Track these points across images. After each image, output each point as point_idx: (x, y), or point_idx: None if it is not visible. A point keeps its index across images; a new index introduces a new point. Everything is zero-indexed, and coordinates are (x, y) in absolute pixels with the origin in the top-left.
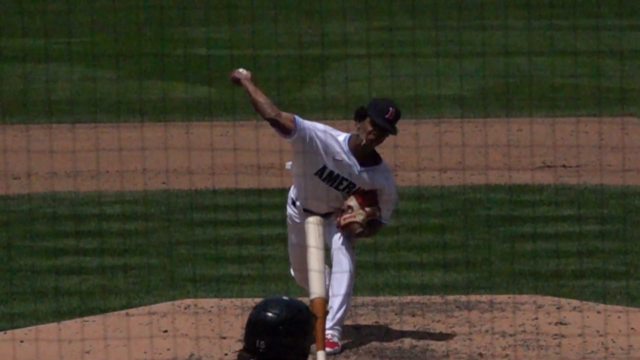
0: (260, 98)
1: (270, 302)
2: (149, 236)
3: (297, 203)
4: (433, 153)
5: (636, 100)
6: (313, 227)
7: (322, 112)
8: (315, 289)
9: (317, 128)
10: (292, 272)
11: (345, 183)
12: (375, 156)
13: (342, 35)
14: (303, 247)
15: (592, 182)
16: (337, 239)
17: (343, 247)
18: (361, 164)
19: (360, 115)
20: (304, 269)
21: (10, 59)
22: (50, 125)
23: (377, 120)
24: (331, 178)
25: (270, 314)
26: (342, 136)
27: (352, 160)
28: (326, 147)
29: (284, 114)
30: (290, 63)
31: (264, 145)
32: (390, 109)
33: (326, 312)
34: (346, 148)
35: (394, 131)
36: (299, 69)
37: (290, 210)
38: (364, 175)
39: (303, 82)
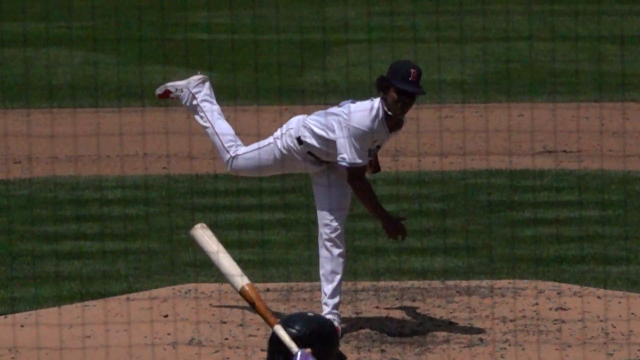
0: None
1: (293, 317)
2: (150, 221)
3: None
4: (434, 138)
5: (637, 85)
6: (205, 235)
7: (323, 97)
8: (238, 279)
9: (366, 136)
10: (242, 154)
11: (375, 148)
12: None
13: (342, 20)
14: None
15: (592, 168)
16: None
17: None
18: (390, 130)
19: (383, 86)
20: (261, 173)
21: (11, 43)
22: (51, 109)
23: (402, 87)
24: (370, 153)
25: (291, 330)
26: (374, 110)
27: (385, 129)
28: (375, 139)
29: (360, 173)
30: (291, 48)
31: (265, 130)
32: (412, 70)
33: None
34: (382, 118)
35: (421, 91)
36: (300, 53)
37: (292, 144)
38: (392, 135)
39: (304, 67)
